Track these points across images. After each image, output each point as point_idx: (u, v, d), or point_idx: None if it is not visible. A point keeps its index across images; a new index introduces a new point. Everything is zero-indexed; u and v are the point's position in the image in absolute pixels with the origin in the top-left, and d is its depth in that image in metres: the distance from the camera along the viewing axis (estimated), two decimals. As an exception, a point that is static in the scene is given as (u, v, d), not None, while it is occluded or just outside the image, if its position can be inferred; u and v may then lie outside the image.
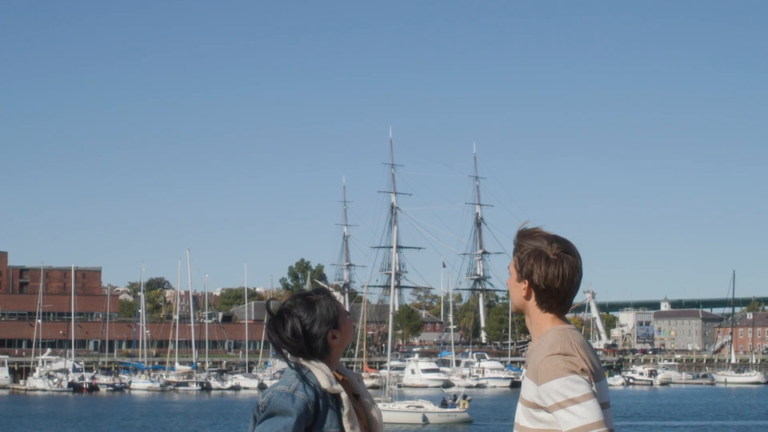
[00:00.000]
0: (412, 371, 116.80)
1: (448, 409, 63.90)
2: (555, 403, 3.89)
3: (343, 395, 4.24)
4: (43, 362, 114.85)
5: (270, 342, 4.37)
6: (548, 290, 4.06)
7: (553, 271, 4.04)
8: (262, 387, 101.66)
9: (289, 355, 4.34)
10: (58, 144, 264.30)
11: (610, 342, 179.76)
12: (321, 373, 4.25)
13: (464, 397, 65.86)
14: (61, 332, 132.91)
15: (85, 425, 61.15)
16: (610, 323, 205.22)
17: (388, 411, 62.30)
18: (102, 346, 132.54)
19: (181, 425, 60.70)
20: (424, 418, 62.99)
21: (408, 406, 65.45)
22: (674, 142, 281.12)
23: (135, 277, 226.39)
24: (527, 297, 4.10)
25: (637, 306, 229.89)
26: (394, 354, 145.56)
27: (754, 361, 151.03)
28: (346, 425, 4.22)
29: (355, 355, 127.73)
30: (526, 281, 4.09)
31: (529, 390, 4.03)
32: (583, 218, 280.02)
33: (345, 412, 4.23)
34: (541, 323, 4.10)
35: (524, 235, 4.14)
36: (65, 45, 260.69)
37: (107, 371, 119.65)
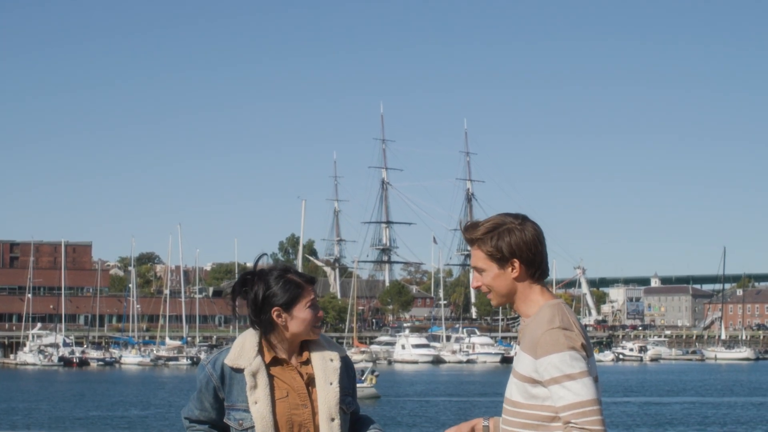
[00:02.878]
0: (403, 347, 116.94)
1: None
2: (551, 377, 3.91)
3: (247, 371, 4.36)
4: (33, 337, 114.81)
5: (231, 294, 4.51)
6: (535, 258, 4.07)
7: (529, 238, 4.06)
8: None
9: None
10: (48, 118, 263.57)
11: (600, 318, 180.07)
12: (235, 348, 4.42)
13: (372, 372, 65.19)
14: (51, 307, 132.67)
15: (83, 400, 61.00)
16: (600, 299, 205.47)
17: None
18: (92, 321, 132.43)
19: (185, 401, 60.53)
20: None
21: None
22: (665, 118, 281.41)
23: (125, 251, 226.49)
24: (520, 277, 4.08)
25: (627, 282, 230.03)
26: (385, 329, 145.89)
27: (743, 338, 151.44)
28: (249, 399, 4.34)
29: (346, 330, 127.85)
30: (515, 260, 4.06)
31: (525, 364, 4.02)
32: (573, 194, 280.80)
33: (246, 387, 4.35)
34: (533, 297, 4.09)
35: (473, 229, 4.13)
36: (56, 19, 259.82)
37: (98, 346, 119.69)
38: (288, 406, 4.38)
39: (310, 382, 4.44)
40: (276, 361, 4.43)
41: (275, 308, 4.38)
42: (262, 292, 4.38)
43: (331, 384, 4.43)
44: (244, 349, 4.41)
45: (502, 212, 4.15)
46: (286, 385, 4.41)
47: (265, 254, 4.62)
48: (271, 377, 4.40)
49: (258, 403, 4.33)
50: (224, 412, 4.41)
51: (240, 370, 4.37)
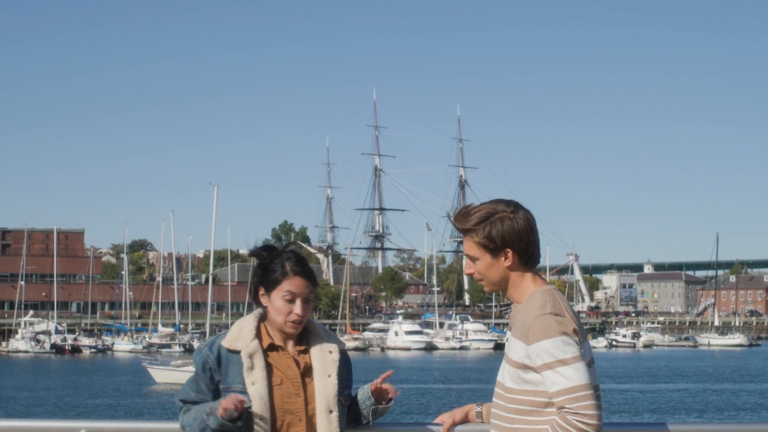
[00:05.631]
0: (396, 333, 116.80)
1: None
2: (544, 363, 3.90)
3: (243, 353, 4.32)
4: (25, 324, 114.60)
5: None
6: (526, 248, 4.05)
7: (522, 228, 4.05)
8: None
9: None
10: (41, 105, 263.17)
11: (593, 304, 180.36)
12: (233, 331, 4.41)
13: None
14: (43, 294, 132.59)
15: (80, 388, 60.80)
16: (594, 285, 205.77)
17: None
18: (85, 308, 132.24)
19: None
20: None
21: None
22: (658, 105, 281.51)
23: (118, 238, 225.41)
24: (512, 266, 4.06)
25: (620, 268, 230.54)
26: (378, 316, 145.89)
27: (736, 324, 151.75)
28: (247, 381, 4.29)
29: (339, 317, 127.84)
30: (508, 250, 4.03)
31: (517, 350, 4.00)
32: (566, 180, 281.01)
33: (244, 368, 4.30)
34: (525, 285, 4.10)
35: (465, 218, 4.10)
36: (47, 8, 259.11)
37: (90, 333, 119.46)
38: (282, 394, 4.34)
39: (306, 372, 4.41)
40: (272, 347, 4.41)
41: (260, 287, 4.42)
42: (258, 267, 4.41)
43: (329, 376, 4.39)
44: (242, 332, 4.39)
45: (494, 199, 4.13)
46: (281, 372, 4.37)
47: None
48: (267, 363, 4.37)
49: (255, 384, 4.29)
50: (219, 395, 4.34)
51: (236, 352, 4.34)
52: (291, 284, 4.36)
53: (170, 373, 63.55)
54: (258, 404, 4.27)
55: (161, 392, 57.72)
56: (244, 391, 4.28)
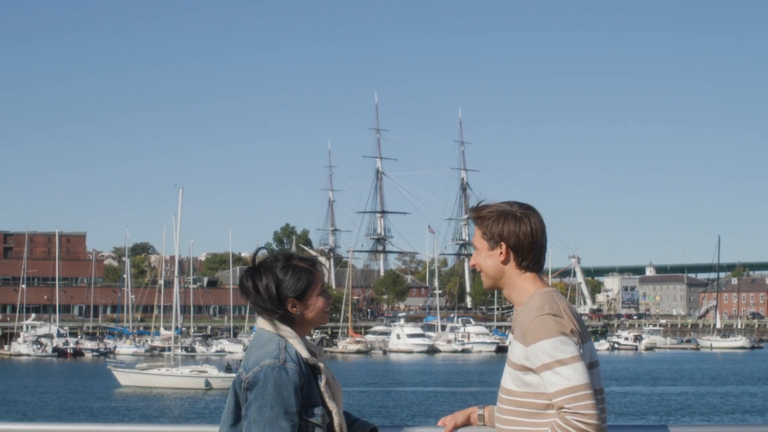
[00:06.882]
0: (398, 336, 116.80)
1: (232, 374, 62.10)
2: (542, 363, 3.91)
3: (321, 365, 4.19)
4: (27, 327, 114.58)
5: (241, 292, 4.24)
6: (525, 247, 4.09)
7: (524, 229, 4.10)
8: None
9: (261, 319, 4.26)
10: (42, 108, 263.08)
11: (595, 307, 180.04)
12: (297, 343, 4.18)
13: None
14: (45, 297, 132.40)
15: (85, 391, 60.76)
16: (595, 288, 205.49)
17: (171, 376, 61.93)
18: (87, 312, 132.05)
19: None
20: (207, 383, 60.54)
21: (191, 371, 64.13)
22: (660, 107, 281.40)
23: (120, 242, 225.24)
24: (505, 261, 4.11)
25: (622, 271, 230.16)
26: (380, 319, 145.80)
27: (739, 326, 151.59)
28: (325, 395, 4.16)
29: (341, 320, 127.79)
30: (503, 243, 4.09)
31: (517, 352, 4.02)
32: (568, 183, 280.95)
33: (323, 382, 4.18)
34: (524, 285, 4.11)
35: (479, 209, 4.18)
36: (48, 11, 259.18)
37: (92, 336, 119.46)
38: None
39: None
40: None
41: (290, 299, 4.21)
42: (274, 285, 4.19)
43: (333, 378, 4.31)
44: (301, 344, 4.20)
45: (514, 200, 4.21)
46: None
47: (263, 248, 4.44)
48: None
49: (332, 398, 4.20)
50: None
51: (314, 365, 4.19)
52: (319, 278, 4.28)
53: (135, 375, 63.81)
54: (338, 419, 4.18)
55: (127, 395, 57.61)
56: (321, 405, 4.14)
